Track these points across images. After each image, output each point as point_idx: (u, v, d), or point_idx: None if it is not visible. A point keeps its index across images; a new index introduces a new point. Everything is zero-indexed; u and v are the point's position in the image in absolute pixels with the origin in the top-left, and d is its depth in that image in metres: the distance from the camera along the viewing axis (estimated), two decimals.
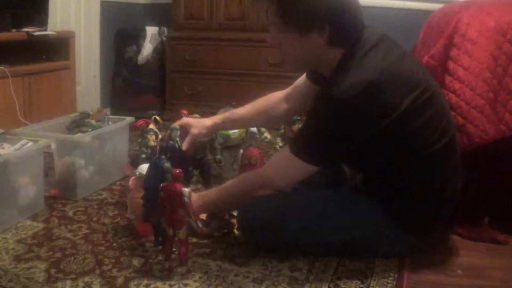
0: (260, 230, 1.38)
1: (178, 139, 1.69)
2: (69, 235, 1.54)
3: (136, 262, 1.37)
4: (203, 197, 1.45)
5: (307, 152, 1.33)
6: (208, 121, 1.73)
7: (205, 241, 1.50)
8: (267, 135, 2.17)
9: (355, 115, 1.24)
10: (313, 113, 1.36)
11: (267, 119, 1.78)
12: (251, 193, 1.40)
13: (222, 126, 1.77)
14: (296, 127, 2.11)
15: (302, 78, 1.67)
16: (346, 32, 1.31)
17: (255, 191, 1.40)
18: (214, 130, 1.78)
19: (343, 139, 1.30)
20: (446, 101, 1.43)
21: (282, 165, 1.39)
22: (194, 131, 1.67)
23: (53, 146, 1.81)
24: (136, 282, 1.26)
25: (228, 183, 1.49)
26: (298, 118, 2.16)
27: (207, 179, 1.93)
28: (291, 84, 3.16)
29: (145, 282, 1.26)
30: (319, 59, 1.36)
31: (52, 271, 1.31)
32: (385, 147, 1.32)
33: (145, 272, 1.32)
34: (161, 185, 1.29)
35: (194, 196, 1.41)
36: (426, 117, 1.30)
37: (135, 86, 3.48)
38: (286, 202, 1.39)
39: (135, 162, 1.69)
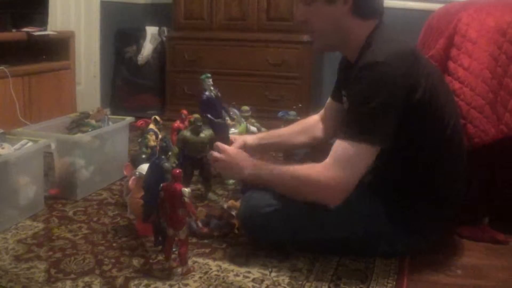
0: (261, 225, 1.38)
1: (212, 88, 1.71)
2: (69, 235, 1.54)
3: (136, 262, 1.37)
4: (257, 167, 1.41)
5: (367, 133, 1.24)
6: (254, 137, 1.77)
7: (205, 241, 1.50)
8: None
9: (401, 79, 1.23)
10: (358, 92, 1.27)
11: (309, 139, 1.73)
12: (308, 195, 1.32)
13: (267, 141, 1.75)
14: None
15: (328, 101, 1.70)
16: (369, 2, 1.34)
17: (315, 194, 1.31)
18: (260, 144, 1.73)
19: (393, 107, 1.24)
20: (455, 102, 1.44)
21: (345, 158, 1.26)
22: (248, 139, 1.70)
23: (53, 146, 1.81)
24: (136, 282, 1.26)
25: (292, 169, 1.35)
26: (298, 118, 2.17)
27: (207, 179, 1.93)
28: (290, 83, 3.19)
29: (145, 282, 1.26)
30: (346, 33, 1.36)
31: (52, 271, 1.31)
32: (400, 136, 1.28)
33: (145, 272, 1.32)
34: (161, 185, 1.29)
35: (249, 161, 1.43)
36: (440, 105, 1.32)
37: (135, 86, 3.48)
38: (289, 198, 1.39)
39: (135, 162, 1.69)
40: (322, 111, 1.74)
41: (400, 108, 1.25)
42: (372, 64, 1.24)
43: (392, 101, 1.23)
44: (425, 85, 1.27)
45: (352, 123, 1.28)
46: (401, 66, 1.23)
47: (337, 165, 1.27)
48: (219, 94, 1.77)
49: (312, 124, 1.73)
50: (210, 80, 1.73)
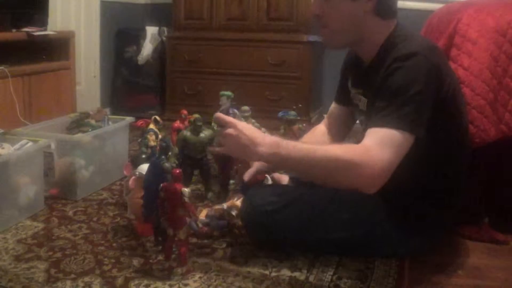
0: (263, 224, 1.38)
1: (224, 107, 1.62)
2: (69, 235, 1.54)
3: (136, 262, 1.37)
4: (275, 145, 1.24)
5: (406, 120, 1.19)
6: None
7: (205, 241, 1.50)
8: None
9: (434, 70, 1.22)
10: (394, 82, 1.22)
11: None
12: (344, 179, 1.20)
13: None
14: (296, 127, 2.11)
15: (332, 106, 1.66)
16: (392, 2, 1.33)
17: (353, 177, 1.19)
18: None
19: (428, 98, 1.22)
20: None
21: (387, 142, 1.18)
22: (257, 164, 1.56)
23: (53, 146, 1.81)
24: (136, 282, 1.26)
25: (323, 148, 1.23)
26: (298, 118, 2.17)
27: (207, 179, 1.93)
28: (290, 83, 3.19)
29: (145, 282, 1.26)
30: (365, 31, 1.34)
31: (52, 271, 1.31)
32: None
33: (145, 272, 1.32)
34: (161, 185, 1.29)
35: (265, 137, 1.25)
36: (458, 104, 1.33)
37: (135, 86, 3.48)
38: (291, 197, 1.39)
39: (135, 162, 1.69)
40: (325, 120, 1.71)
41: (432, 100, 1.23)
42: (407, 54, 1.22)
43: (427, 91, 1.21)
44: (449, 81, 1.28)
45: (390, 111, 1.21)
46: (434, 59, 1.24)
47: (379, 147, 1.18)
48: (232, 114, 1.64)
49: (320, 136, 1.67)
50: (224, 98, 1.62)
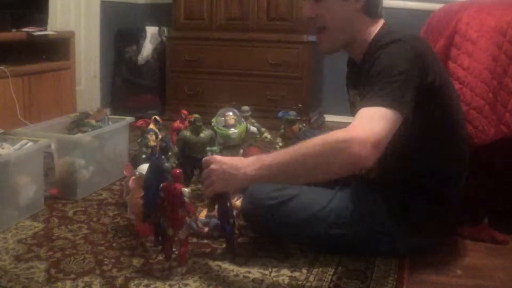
0: (264, 219, 1.39)
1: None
2: (69, 235, 1.54)
3: (136, 262, 1.37)
4: (259, 160, 1.22)
5: (393, 99, 1.18)
6: None
7: (205, 241, 1.50)
8: (267, 135, 2.17)
9: (416, 56, 1.24)
10: (378, 66, 1.24)
11: None
12: (337, 159, 1.14)
13: None
14: (296, 127, 2.11)
15: None
16: (378, 1, 1.36)
17: (345, 154, 1.12)
18: None
19: (412, 80, 1.22)
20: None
21: (374, 118, 1.16)
22: None
23: (53, 146, 1.81)
24: (136, 282, 1.26)
25: (310, 140, 1.19)
26: (298, 118, 2.17)
27: None
28: (290, 83, 3.19)
29: (145, 282, 1.26)
30: (356, 31, 1.36)
31: (52, 271, 1.31)
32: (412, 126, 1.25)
33: (145, 272, 1.32)
34: (161, 185, 1.29)
35: (246, 159, 1.25)
36: (449, 95, 1.33)
37: (135, 86, 3.48)
38: (291, 192, 1.40)
39: (135, 162, 1.69)
40: None
41: (417, 84, 1.22)
42: (389, 42, 1.26)
43: (411, 73, 1.22)
44: (437, 71, 1.29)
45: (374, 92, 1.20)
46: (418, 46, 1.26)
47: (366, 123, 1.15)
48: None
49: None
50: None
